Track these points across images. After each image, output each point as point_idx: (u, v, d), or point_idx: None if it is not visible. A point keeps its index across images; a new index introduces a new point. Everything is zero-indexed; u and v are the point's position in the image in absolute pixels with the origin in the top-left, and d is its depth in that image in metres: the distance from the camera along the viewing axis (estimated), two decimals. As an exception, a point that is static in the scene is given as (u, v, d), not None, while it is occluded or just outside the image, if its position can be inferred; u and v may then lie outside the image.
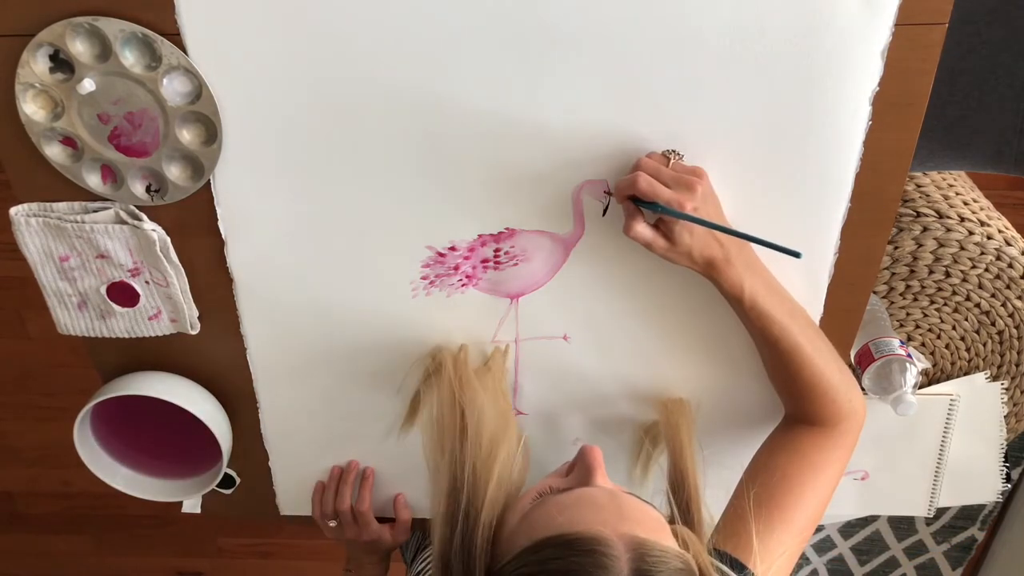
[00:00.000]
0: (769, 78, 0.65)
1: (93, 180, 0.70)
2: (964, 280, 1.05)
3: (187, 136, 0.68)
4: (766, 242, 0.65)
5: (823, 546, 2.08)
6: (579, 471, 0.62)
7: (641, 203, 0.66)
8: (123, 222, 0.72)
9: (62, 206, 0.72)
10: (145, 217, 0.72)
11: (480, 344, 0.81)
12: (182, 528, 2.11)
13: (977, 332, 1.09)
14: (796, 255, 0.63)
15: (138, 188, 0.71)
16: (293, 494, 0.94)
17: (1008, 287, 1.05)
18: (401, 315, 0.78)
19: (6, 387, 1.86)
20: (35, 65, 0.64)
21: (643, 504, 0.59)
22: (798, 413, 0.78)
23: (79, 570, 2.22)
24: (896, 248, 1.03)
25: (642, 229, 0.67)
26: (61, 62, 0.65)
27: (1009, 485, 1.96)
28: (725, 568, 0.66)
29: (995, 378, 1.12)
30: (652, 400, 0.85)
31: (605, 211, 0.72)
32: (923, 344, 1.11)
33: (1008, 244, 1.02)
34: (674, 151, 0.68)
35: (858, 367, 1.02)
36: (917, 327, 1.10)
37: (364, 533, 0.91)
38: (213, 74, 0.65)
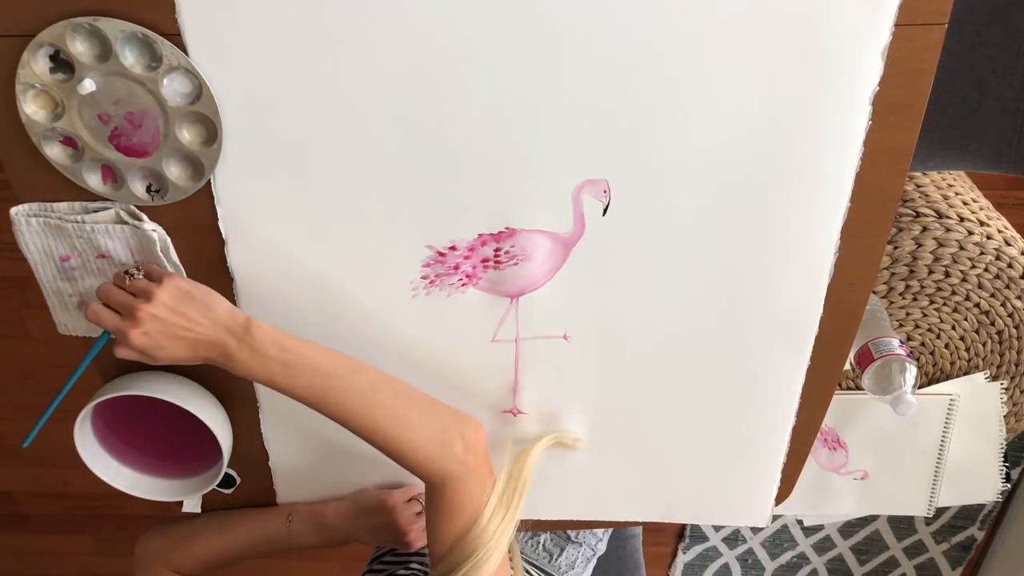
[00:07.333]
0: (769, 77, 0.66)
1: (93, 180, 0.70)
2: (964, 280, 1.05)
3: (187, 136, 0.68)
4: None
5: (823, 546, 2.08)
6: None
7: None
8: (123, 222, 0.72)
9: (62, 206, 0.72)
10: (145, 217, 0.73)
11: (480, 343, 0.81)
12: (182, 528, 2.11)
13: (977, 332, 1.09)
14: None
15: (138, 188, 0.71)
16: (293, 495, 0.93)
17: (1008, 287, 1.05)
18: (401, 315, 0.79)
19: (6, 387, 1.85)
20: (35, 65, 0.64)
21: None
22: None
23: (79, 570, 2.22)
24: (896, 248, 1.03)
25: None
26: (61, 62, 0.65)
27: (1009, 485, 1.96)
28: None
29: (995, 378, 1.13)
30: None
31: (605, 211, 0.72)
32: (923, 344, 1.11)
33: (1008, 244, 1.03)
34: (135, 268, 0.70)
35: (858, 367, 1.02)
36: (917, 327, 1.10)
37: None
38: (213, 74, 0.65)
